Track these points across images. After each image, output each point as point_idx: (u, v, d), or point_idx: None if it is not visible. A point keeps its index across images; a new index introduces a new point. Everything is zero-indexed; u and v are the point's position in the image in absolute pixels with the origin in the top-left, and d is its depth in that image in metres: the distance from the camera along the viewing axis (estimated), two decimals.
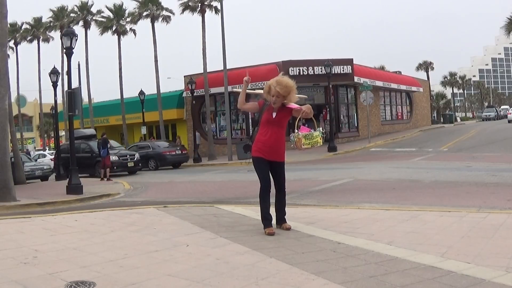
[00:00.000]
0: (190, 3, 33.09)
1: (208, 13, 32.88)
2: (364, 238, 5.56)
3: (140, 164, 24.61)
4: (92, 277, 4.33)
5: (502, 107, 78.11)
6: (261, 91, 6.54)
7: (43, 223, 7.66)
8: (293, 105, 6.13)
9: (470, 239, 5.34)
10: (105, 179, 19.92)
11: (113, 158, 22.27)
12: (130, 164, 23.76)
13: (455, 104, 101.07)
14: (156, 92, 36.27)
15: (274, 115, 6.08)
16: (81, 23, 41.86)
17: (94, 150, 23.38)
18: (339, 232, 5.92)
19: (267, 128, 6.08)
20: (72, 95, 15.31)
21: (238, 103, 6.43)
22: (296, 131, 6.15)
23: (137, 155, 24.53)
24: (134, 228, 6.84)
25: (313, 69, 30.23)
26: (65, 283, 4.17)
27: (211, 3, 32.81)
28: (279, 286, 3.96)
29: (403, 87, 41.44)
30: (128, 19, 39.30)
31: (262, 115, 6.16)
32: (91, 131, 28.46)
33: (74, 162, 15.35)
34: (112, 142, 26.86)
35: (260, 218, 6.18)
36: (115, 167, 22.40)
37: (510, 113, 47.89)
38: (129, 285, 4.08)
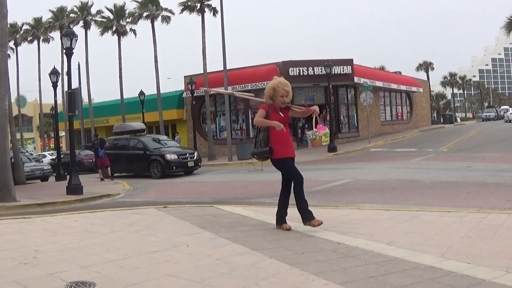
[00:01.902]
0: (189, 3, 33.09)
1: (208, 13, 32.92)
2: (364, 238, 5.56)
3: (200, 164, 21.85)
4: (92, 277, 4.33)
5: (502, 107, 78.09)
6: (250, 95, 7.17)
7: (43, 223, 7.66)
8: (301, 107, 6.56)
9: (470, 239, 5.34)
10: (105, 179, 19.94)
11: (173, 156, 20.24)
12: (190, 164, 20.69)
13: (455, 105, 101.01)
14: (156, 92, 36.29)
15: (282, 114, 6.26)
16: (81, 23, 41.94)
17: (148, 147, 21.07)
18: (339, 233, 5.93)
19: (282, 129, 6.22)
20: (72, 96, 15.30)
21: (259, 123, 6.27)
22: (315, 129, 6.54)
23: (196, 154, 21.80)
24: (134, 228, 6.84)
25: (313, 69, 30.23)
26: (65, 284, 4.17)
27: (210, 3, 32.85)
28: (279, 286, 3.96)
29: (403, 87, 41.43)
30: (128, 20, 39.34)
31: (270, 118, 6.19)
32: (140, 125, 24.96)
33: (74, 162, 15.36)
34: (165, 138, 24.53)
35: (302, 212, 6.13)
36: (174, 167, 20.19)
37: (511, 113, 48.64)
38: (129, 286, 4.08)
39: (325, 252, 5.01)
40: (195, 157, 21.17)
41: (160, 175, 19.99)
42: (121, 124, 26.94)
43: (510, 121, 47.77)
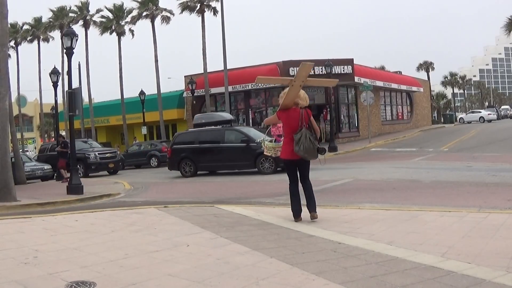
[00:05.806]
0: (189, 3, 33.13)
1: (208, 13, 32.94)
2: (365, 238, 5.56)
3: None
4: (93, 277, 4.33)
5: (502, 107, 78.08)
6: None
7: (43, 223, 7.66)
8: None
9: (470, 239, 5.34)
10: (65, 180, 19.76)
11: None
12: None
13: (456, 104, 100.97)
14: (156, 92, 36.31)
15: None
16: (80, 22, 41.85)
17: (252, 138, 17.85)
18: (340, 232, 5.93)
19: None
20: (73, 95, 15.28)
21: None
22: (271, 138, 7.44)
23: None
24: (134, 228, 6.84)
25: (313, 69, 30.15)
26: (65, 283, 4.17)
27: (210, 3, 32.86)
28: (280, 286, 3.96)
29: (403, 87, 41.42)
30: (127, 19, 39.31)
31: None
32: (228, 115, 21.54)
33: (75, 162, 15.33)
34: (254, 129, 20.98)
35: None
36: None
37: (489, 114, 52.79)
38: (130, 285, 4.08)
39: (325, 252, 5.01)
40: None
41: (273, 170, 17.01)
42: (205, 114, 22.57)
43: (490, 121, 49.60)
